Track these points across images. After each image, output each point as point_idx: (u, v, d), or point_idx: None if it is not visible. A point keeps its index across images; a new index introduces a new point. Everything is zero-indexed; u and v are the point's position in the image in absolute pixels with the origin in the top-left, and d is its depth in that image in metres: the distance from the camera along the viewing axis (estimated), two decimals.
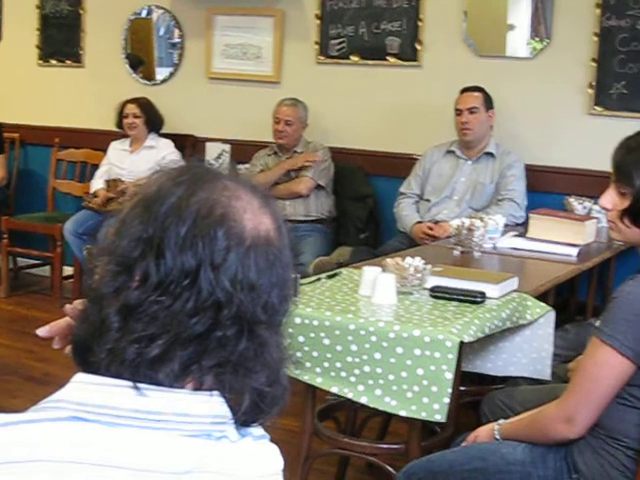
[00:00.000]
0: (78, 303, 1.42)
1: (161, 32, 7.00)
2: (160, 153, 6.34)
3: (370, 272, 3.29)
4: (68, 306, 1.44)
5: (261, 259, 1.16)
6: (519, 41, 5.76)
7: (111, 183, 6.42)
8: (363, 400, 2.99)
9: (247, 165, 6.16)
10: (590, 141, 5.47)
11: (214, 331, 1.13)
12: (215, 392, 1.15)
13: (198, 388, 1.15)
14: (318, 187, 5.95)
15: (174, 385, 1.14)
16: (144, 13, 7.04)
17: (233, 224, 1.15)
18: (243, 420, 1.18)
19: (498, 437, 2.66)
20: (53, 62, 7.44)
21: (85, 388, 1.13)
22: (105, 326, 1.14)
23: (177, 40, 6.90)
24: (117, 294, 1.14)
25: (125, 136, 6.62)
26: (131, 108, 6.50)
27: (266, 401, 1.19)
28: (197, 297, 1.12)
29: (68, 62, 7.36)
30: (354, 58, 6.22)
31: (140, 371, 1.13)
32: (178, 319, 1.12)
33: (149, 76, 7.06)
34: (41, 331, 1.44)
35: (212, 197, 1.16)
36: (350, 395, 3.01)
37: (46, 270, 7.23)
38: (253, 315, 1.15)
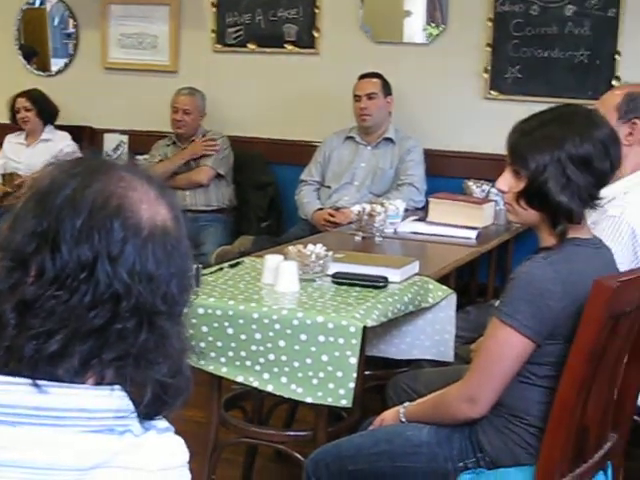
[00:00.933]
0: None
1: (55, 22, 6.88)
2: (57, 146, 6.22)
3: (272, 260, 3.28)
4: None
5: (159, 249, 1.15)
6: (415, 27, 5.81)
7: (7, 177, 6.30)
8: (269, 388, 2.99)
9: (146, 156, 6.10)
10: (487, 125, 5.55)
11: (113, 324, 1.12)
12: (116, 386, 1.14)
13: (99, 382, 1.14)
14: (218, 176, 5.92)
15: (74, 380, 1.12)
16: (37, 3, 6.91)
17: (129, 215, 1.14)
18: (146, 413, 1.18)
19: (404, 420, 2.69)
20: None
21: None
22: (1, 323, 1.12)
23: (72, 30, 6.79)
24: (13, 290, 1.12)
25: (21, 129, 6.49)
26: (21, 102, 6.36)
27: (169, 393, 1.19)
28: (95, 290, 1.11)
29: None
30: (251, 46, 6.20)
31: (39, 367, 1.11)
32: (76, 313, 1.10)
33: (44, 67, 6.94)
34: None
35: (107, 188, 1.15)
36: (256, 384, 3.01)
37: None
38: (152, 306, 1.14)
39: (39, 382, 1.10)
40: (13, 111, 6.40)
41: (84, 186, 1.15)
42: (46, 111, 6.42)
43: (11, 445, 1.07)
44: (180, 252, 1.19)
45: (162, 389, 1.18)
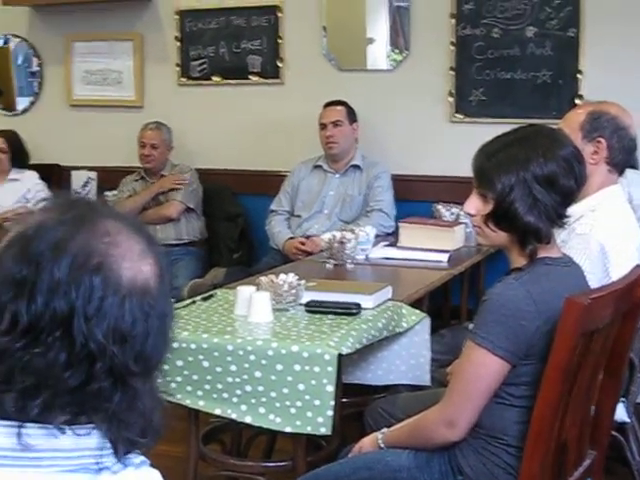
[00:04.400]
0: None
1: (19, 61, 6.87)
2: (25, 185, 6.19)
3: (244, 291, 3.28)
4: None
5: (136, 309, 1.15)
6: (379, 54, 5.85)
7: None
8: (247, 420, 2.99)
9: (114, 192, 6.09)
10: (453, 148, 5.58)
11: (89, 384, 1.12)
12: (90, 425, 1.14)
13: (73, 422, 1.13)
14: (188, 210, 5.92)
15: (50, 421, 1.12)
16: (0, 42, 6.90)
17: (109, 274, 1.13)
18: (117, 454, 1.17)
19: (382, 446, 2.68)
20: None
21: None
22: None
23: (36, 68, 6.79)
24: None
25: None
26: None
27: (139, 445, 1.18)
28: (70, 349, 1.10)
29: None
30: (216, 78, 6.22)
31: (19, 416, 1.11)
32: (52, 372, 1.10)
33: (9, 106, 6.92)
34: None
35: (91, 243, 1.14)
36: (234, 416, 3.00)
37: None
38: (125, 367, 1.14)
39: (16, 424, 1.10)
40: None
41: (68, 237, 1.14)
42: (19, 155, 6.33)
43: None
44: (157, 311, 1.18)
45: (132, 445, 1.17)
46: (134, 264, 1.16)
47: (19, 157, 6.36)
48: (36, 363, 1.10)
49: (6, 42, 6.90)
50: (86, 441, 1.13)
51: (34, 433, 1.10)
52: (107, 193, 6.22)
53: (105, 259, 1.14)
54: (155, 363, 1.20)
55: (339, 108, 5.51)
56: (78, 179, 6.52)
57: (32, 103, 6.84)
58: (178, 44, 6.29)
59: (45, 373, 1.10)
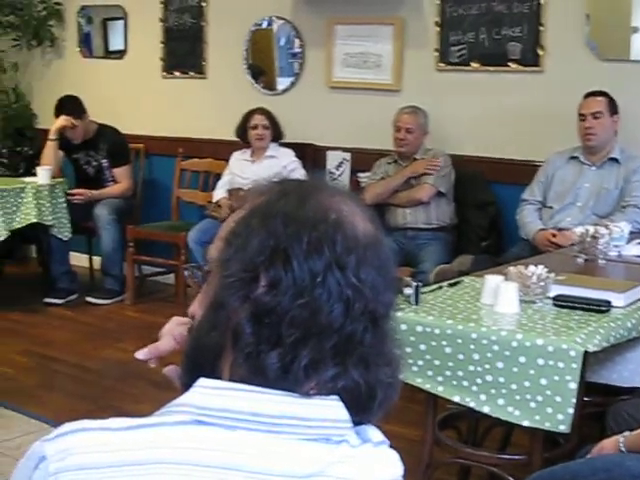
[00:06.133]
0: (177, 323, 1.46)
1: (282, 42, 7.07)
2: (281, 162, 6.39)
3: (492, 280, 3.26)
4: (168, 326, 1.48)
5: (375, 259, 1.18)
6: None
7: (233, 192, 6.49)
8: (485, 409, 2.97)
9: (368, 173, 6.18)
10: None
11: (344, 328, 1.14)
12: (334, 396, 1.16)
13: (318, 392, 1.16)
14: (439, 194, 5.92)
15: (295, 389, 1.14)
16: (265, 24, 7.12)
17: (349, 226, 1.17)
18: (355, 419, 1.18)
19: (623, 449, 2.61)
20: (177, 74, 7.59)
21: (207, 392, 1.14)
22: (237, 334, 1.16)
23: (298, 50, 6.96)
24: (244, 301, 1.15)
25: (246, 146, 6.69)
26: (260, 119, 6.55)
27: (389, 393, 1.20)
28: (329, 297, 1.13)
29: (191, 73, 7.50)
30: (474, 64, 6.18)
31: (268, 376, 1.14)
32: (315, 322, 1.13)
33: (270, 86, 7.14)
34: (139, 354, 1.47)
35: (324, 203, 1.18)
36: (472, 404, 2.99)
37: (170, 278, 7.36)
38: (375, 310, 1.16)
39: (261, 389, 1.13)
40: (245, 126, 6.60)
41: (301, 203, 1.18)
42: (278, 131, 6.61)
43: (231, 449, 1.11)
44: (389, 260, 1.21)
45: (387, 391, 1.19)
46: (362, 219, 1.20)
47: (277, 134, 6.62)
48: (302, 314, 1.13)
49: (270, 24, 7.11)
50: (328, 411, 1.15)
51: (277, 400, 1.13)
52: (360, 174, 6.32)
53: (340, 214, 1.17)
54: (393, 310, 1.23)
55: (600, 99, 5.35)
56: (333, 159, 6.64)
57: (292, 84, 7.01)
58: (438, 29, 6.29)
59: (309, 322, 1.13)
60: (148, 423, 1.13)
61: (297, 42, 6.95)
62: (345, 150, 6.63)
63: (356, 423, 1.18)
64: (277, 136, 6.63)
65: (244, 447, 1.11)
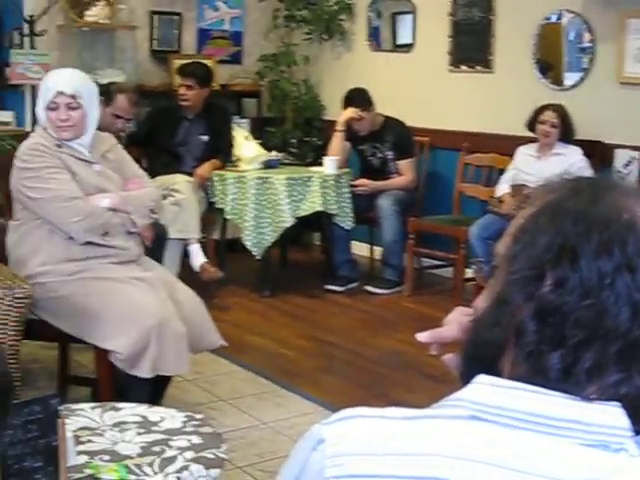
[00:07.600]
0: (462, 313, 1.47)
1: (571, 36, 6.92)
2: (568, 160, 6.26)
3: None
4: (452, 315, 1.49)
5: None
6: None
7: (516, 188, 6.44)
8: None
9: None
10: None
11: (631, 333, 1.12)
12: (614, 402, 1.14)
13: (599, 397, 1.14)
14: None
15: (575, 392, 1.14)
16: (554, 18, 7.00)
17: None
18: (635, 429, 1.16)
19: None
20: (463, 68, 7.60)
21: (484, 389, 1.15)
22: (520, 331, 1.15)
23: (587, 44, 6.79)
24: (529, 300, 1.15)
25: (532, 141, 6.61)
26: (550, 116, 6.46)
27: None
28: (616, 299, 1.12)
29: (478, 68, 7.48)
30: None
31: (549, 377, 1.13)
32: (598, 324, 1.12)
33: (557, 81, 7.01)
34: (421, 336, 1.50)
35: (617, 202, 1.16)
36: None
37: (449, 271, 7.39)
38: None
39: (542, 390, 1.12)
40: (535, 120, 6.53)
41: (593, 201, 1.16)
42: (567, 130, 6.49)
43: (512, 449, 1.10)
44: None
45: None
46: None
47: (565, 132, 6.48)
48: (587, 316, 1.12)
49: (559, 17, 6.97)
50: (608, 417, 1.12)
51: (556, 402, 1.11)
52: None
53: (633, 214, 1.15)
54: None
55: None
56: (621, 158, 6.45)
57: (581, 79, 6.86)
58: None
59: (594, 324, 1.11)
60: (425, 414, 1.15)
61: (587, 36, 6.78)
62: (634, 149, 6.42)
63: (637, 432, 1.16)
64: (567, 134, 6.48)
65: (522, 447, 1.10)
